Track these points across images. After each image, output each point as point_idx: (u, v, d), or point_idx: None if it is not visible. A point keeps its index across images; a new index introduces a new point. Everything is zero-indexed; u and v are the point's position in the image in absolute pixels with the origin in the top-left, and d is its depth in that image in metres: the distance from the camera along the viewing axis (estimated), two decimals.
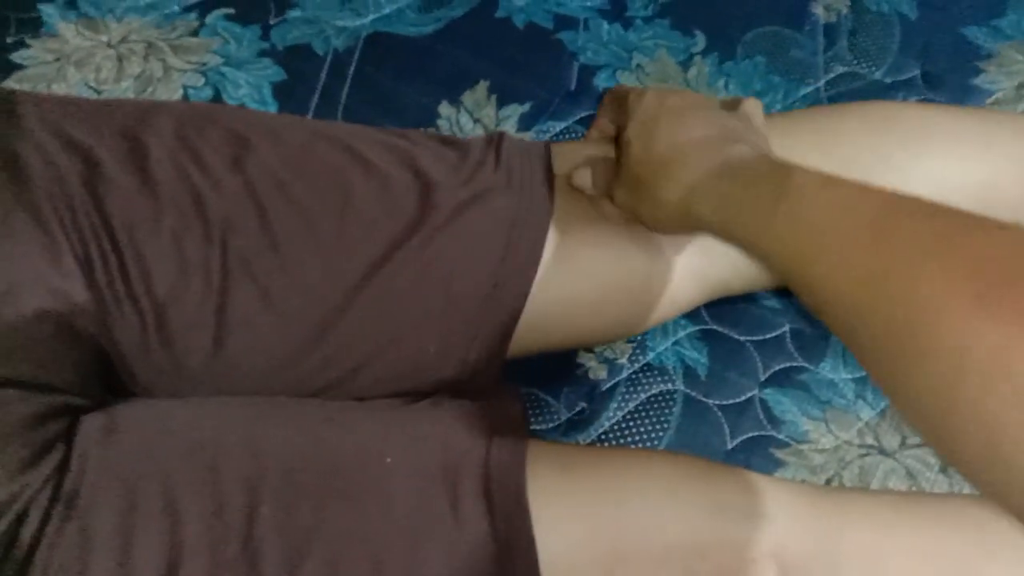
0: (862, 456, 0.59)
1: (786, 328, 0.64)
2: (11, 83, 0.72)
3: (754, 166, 0.40)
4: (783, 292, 0.64)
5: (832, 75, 0.76)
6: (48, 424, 0.41)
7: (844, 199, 0.34)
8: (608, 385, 0.61)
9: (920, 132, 0.51)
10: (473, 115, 0.73)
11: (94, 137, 0.45)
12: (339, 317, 0.46)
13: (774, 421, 0.60)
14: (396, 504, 0.41)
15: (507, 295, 0.48)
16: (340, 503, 0.41)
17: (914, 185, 0.49)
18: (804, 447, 0.59)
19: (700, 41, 0.78)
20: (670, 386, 0.61)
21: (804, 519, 0.44)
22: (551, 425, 0.60)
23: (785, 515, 0.44)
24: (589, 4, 0.80)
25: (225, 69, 0.74)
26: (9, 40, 0.74)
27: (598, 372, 0.62)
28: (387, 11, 0.79)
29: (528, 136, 0.72)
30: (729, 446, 0.60)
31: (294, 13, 0.78)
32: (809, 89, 0.75)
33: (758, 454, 0.59)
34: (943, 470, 0.59)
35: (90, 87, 0.73)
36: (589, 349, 0.62)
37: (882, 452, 0.60)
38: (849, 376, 0.62)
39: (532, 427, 0.60)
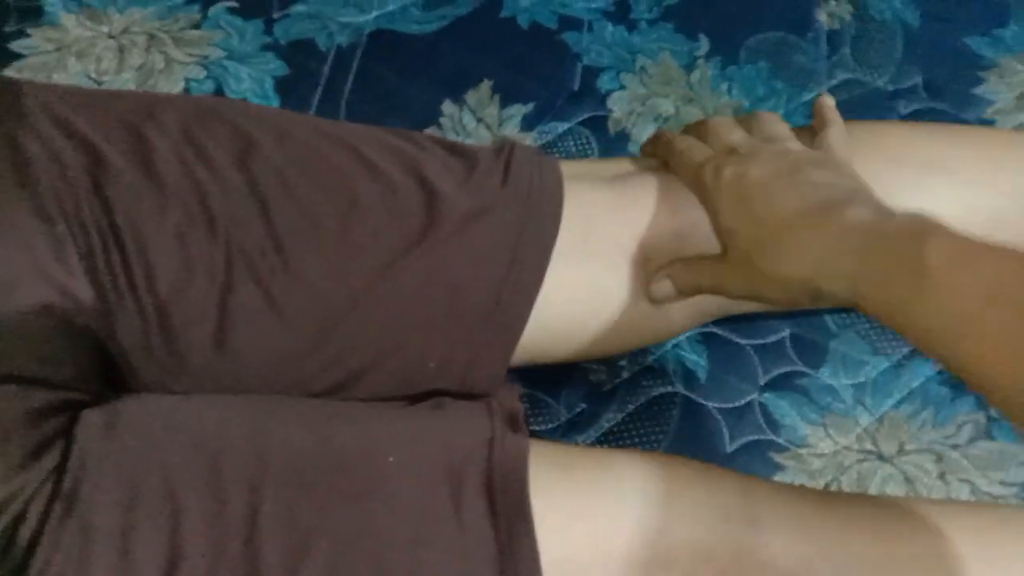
0: (860, 461, 0.59)
1: (786, 332, 0.64)
2: (10, 73, 0.71)
3: (877, 237, 0.40)
4: None
5: (835, 82, 0.76)
6: (48, 420, 0.41)
7: (987, 286, 0.34)
8: (608, 387, 0.61)
9: (935, 163, 0.52)
10: (476, 114, 0.73)
11: (99, 130, 0.45)
12: (341, 319, 0.46)
13: (773, 425, 0.61)
14: (398, 504, 0.41)
15: (509, 312, 0.48)
16: (342, 502, 0.41)
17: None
18: (803, 452, 0.60)
19: (704, 45, 0.78)
20: (670, 389, 0.61)
21: (806, 524, 0.44)
22: (551, 426, 0.60)
23: (787, 519, 0.44)
24: (594, 6, 0.79)
25: (227, 63, 0.74)
26: (9, 29, 0.74)
27: (598, 374, 0.62)
28: (391, 8, 0.78)
29: (531, 136, 0.72)
30: (728, 450, 0.60)
31: (297, 8, 0.78)
32: (812, 95, 0.75)
33: (757, 458, 0.59)
34: (941, 476, 0.59)
35: (90, 78, 0.72)
36: None
37: (880, 458, 0.60)
38: (848, 381, 0.62)
39: (532, 427, 0.60)
